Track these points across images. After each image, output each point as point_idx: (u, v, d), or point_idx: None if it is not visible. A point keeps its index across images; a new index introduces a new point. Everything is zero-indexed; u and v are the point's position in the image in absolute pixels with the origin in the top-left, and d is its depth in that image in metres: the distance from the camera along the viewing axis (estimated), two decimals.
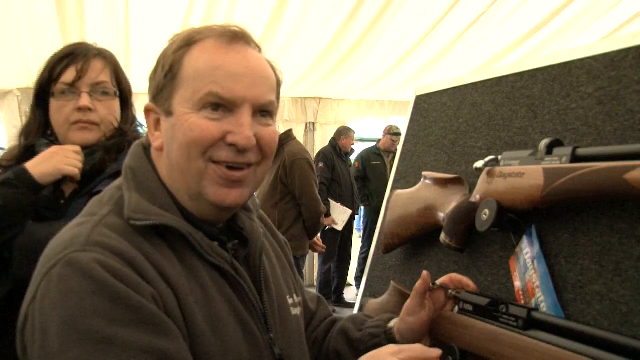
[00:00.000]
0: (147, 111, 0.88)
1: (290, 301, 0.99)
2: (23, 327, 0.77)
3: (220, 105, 0.82)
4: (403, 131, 1.56)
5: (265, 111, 0.86)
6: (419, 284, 0.97)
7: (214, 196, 0.84)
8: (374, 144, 6.33)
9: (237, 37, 0.85)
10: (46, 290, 0.74)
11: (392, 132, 6.04)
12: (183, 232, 0.82)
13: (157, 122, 0.87)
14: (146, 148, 0.92)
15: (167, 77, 0.84)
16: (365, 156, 6.12)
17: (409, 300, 0.98)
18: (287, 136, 3.92)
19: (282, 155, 3.72)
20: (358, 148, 6.25)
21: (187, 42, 0.85)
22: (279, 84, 0.91)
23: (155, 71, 0.87)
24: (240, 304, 0.86)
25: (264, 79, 0.86)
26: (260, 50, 0.89)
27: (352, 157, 6.09)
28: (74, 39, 4.59)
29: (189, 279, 0.82)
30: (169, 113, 0.85)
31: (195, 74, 0.82)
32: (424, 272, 0.97)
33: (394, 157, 6.01)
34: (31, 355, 0.76)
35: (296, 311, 1.00)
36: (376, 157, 6.10)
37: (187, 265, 0.83)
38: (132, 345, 0.70)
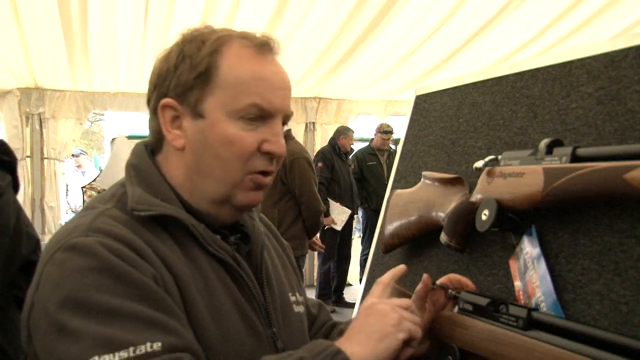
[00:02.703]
0: (164, 107, 0.87)
1: (293, 299, 1.00)
2: (28, 316, 0.78)
3: (257, 115, 0.84)
4: (403, 131, 1.56)
5: (285, 122, 0.90)
6: (419, 287, 0.97)
7: (245, 199, 0.87)
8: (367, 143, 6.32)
9: (268, 47, 0.87)
10: (48, 274, 0.76)
11: (382, 131, 6.02)
12: (186, 223, 0.84)
13: (175, 119, 0.87)
14: (147, 146, 0.93)
15: (198, 78, 0.84)
16: (360, 157, 6.10)
17: None
18: (287, 135, 3.92)
19: None
20: (357, 148, 6.25)
21: (218, 45, 0.85)
22: None
23: (175, 67, 0.86)
24: (242, 297, 0.87)
25: (290, 91, 0.90)
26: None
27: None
28: (75, 39, 4.60)
29: (191, 269, 0.83)
30: (198, 115, 0.85)
31: (236, 81, 0.84)
32: (425, 275, 0.97)
33: (389, 156, 6.02)
34: (35, 342, 0.76)
35: (299, 309, 1.00)
36: (371, 157, 6.09)
37: (189, 256, 0.84)
38: (136, 316, 0.71)
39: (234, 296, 0.86)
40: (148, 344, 0.69)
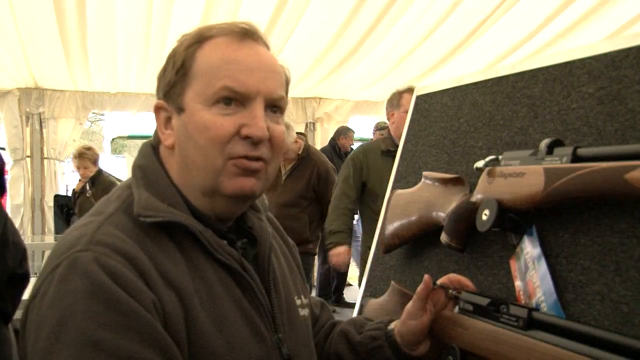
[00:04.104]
0: (157, 109, 0.88)
1: (298, 302, 0.98)
2: (24, 324, 0.77)
3: (233, 100, 0.83)
4: (403, 131, 1.56)
5: (275, 106, 0.87)
6: (420, 288, 0.96)
7: (232, 186, 0.84)
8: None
9: (247, 34, 0.86)
10: (47, 289, 0.74)
11: (380, 128, 6.00)
12: (192, 230, 0.82)
13: (168, 120, 0.87)
14: (154, 147, 0.91)
15: (178, 73, 0.85)
16: None
17: (410, 304, 0.98)
18: (306, 140, 4.00)
19: (311, 163, 3.80)
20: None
21: (198, 39, 0.85)
22: (287, 81, 0.91)
23: (164, 69, 0.88)
24: (247, 303, 0.86)
25: (275, 74, 0.87)
26: (268, 47, 0.90)
27: None
28: (75, 39, 4.60)
29: (193, 278, 0.81)
30: (180, 109, 0.85)
31: (208, 68, 0.83)
32: (426, 276, 0.97)
33: None
34: (26, 348, 0.76)
35: (304, 312, 0.99)
36: None
37: (193, 264, 0.82)
38: (117, 352, 0.70)
39: (240, 303, 0.85)
40: None
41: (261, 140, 0.83)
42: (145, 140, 0.95)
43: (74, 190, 5.10)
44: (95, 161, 4.85)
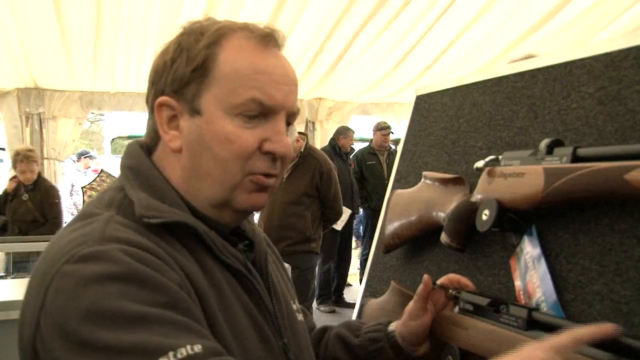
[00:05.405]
0: (161, 105, 0.80)
1: (294, 307, 0.97)
2: (34, 338, 0.69)
3: (258, 113, 0.79)
4: (403, 131, 1.56)
5: (289, 120, 0.84)
6: (420, 288, 0.96)
7: (246, 202, 0.81)
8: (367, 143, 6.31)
9: (272, 39, 0.81)
10: (58, 287, 0.67)
11: (380, 127, 6.01)
12: (198, 230, 0.78)
13: (172, 119, 0.81)
14: (142, 146, 0.86)
15: (196, 72, 0.78)
16: (360, 157, 6.09)
17: (410, 304, 0.98)
18: (307, 140, 4.02)
19: (313, 161, 3.87)
20: (357, 148, 6.25)
21: (217, 37, 0.80)
22: None
23: (173, 60, 0.80)
24: (254, 307, 0.83)
25: (295, 87, 0.84)
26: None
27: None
28: (73, 39, 4.61)
29: (206, 279, 0.77)
30: (195, 112, 0.79)
31: (233, 74, 0.78)
32: (425, 276, 0.96)
33: (389, 155, 6.02)
34: None
35: (300, 317, 0.97)
36: (371, 157, 6.07)
37: (202, 265, 0.78)
38: (167, 320, 0.65)
39: (247, 307, 0.81)
40: (188, 347, 0.63)
41: (282, 157, 0.81)
42: (132, 140, 0.89)
43: (5, 190, 4.60)
44: (38, 163, 4.46)
